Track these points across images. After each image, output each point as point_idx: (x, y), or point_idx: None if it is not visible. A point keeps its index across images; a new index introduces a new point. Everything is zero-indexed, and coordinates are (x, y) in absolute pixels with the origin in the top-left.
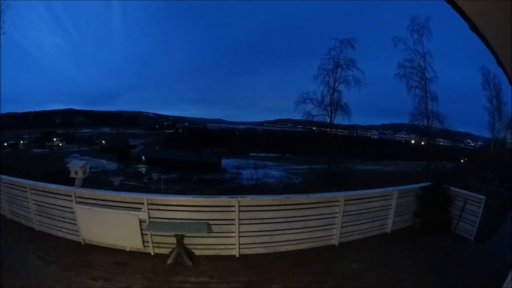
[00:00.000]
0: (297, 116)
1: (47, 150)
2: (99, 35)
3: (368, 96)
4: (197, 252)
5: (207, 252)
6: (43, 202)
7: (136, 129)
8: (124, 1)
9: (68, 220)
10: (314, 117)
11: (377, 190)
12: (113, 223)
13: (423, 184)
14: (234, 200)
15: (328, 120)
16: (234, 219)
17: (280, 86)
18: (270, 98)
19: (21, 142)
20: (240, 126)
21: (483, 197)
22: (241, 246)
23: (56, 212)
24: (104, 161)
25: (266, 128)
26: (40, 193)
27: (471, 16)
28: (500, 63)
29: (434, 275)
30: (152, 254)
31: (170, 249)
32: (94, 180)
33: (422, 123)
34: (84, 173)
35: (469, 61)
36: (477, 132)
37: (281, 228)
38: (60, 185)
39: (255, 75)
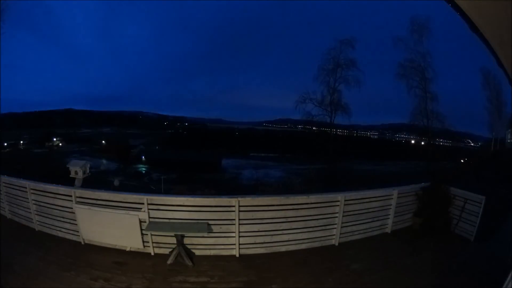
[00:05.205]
0: (297, 116)
1: (46, 150)
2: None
3: (368, 96)
4: (197, 252)
5: (207, 252)
6: (43, 202)
7: (136, 129)
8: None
9: (68, 220)
10: (314, 117)
11: (377, 190)
12: (113, 223)
13: (423, 184)
14: (234, 200)
15: (328, 120)
16: (234, 219)
17: (280, 86)
18: (270, 98)
19: (21, 142)
20: (240, 126)
21: (483, 197)
22: (241, 246)
23: (56, 212)
24: (104, 161)
25: (266, 128)
26: (40, 193)
27: (471, 16)
28: (500, 63)
29: (434, 275)
30: (152, 254)
31: (170, 249)
32: (94, 180)
33: (422, 123)
34: (84, 173)
35: (469, 61)
36: (477, 132)
37: (281, 228)
38: (60, 185)
39: (256, 75)
